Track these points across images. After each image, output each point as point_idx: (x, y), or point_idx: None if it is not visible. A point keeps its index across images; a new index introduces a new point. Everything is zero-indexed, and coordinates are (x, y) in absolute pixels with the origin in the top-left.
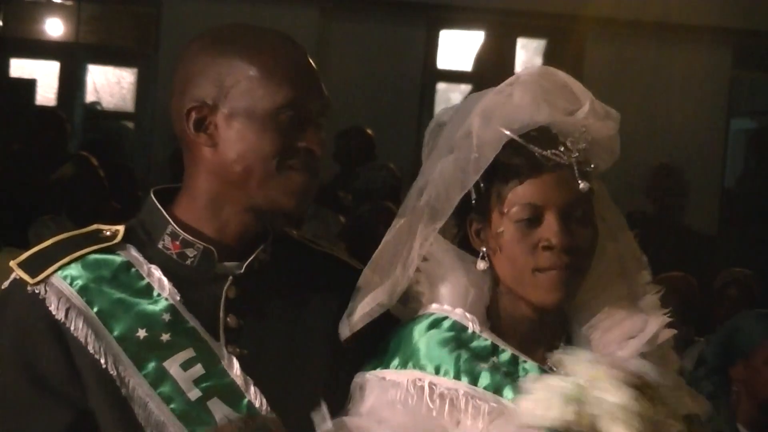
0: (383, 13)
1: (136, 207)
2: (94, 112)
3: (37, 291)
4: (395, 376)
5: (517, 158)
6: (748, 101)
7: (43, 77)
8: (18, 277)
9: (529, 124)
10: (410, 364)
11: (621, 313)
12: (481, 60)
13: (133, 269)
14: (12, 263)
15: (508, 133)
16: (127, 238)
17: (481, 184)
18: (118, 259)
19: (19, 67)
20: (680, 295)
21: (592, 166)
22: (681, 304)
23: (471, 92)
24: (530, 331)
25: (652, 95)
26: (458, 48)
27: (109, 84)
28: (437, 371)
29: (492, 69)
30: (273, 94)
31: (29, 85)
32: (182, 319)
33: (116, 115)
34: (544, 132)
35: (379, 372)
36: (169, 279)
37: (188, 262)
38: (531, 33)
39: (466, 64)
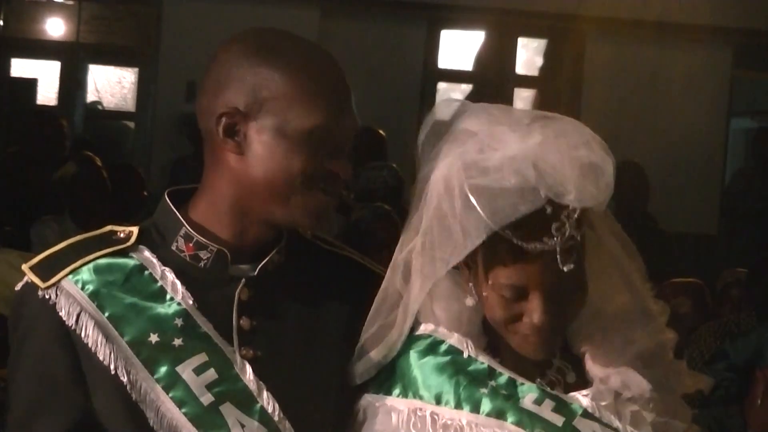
0: (383, 13)
1: (140, 207)
2: (95, 111)
3: (47, 296)
4: (396, 403)
5: (501, 244)
6: (748, 101)
7: (44, 77)
8: (30, 281)
9: (512, 215)
10: (410, 394)
11: (614, 319)
12: (481, 60)
13: (147, 272)
14: (24, 267)
15: (491, 224)
16: (141, 240)
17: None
18: (131, 262)
19: (20, 67)
20: (693, 300)
21: (577, 238)
22: (693, 309)
23: (471, 92)
24: None
25: (652, 95)
26: (458, 48)
27: (110, 83)
28: (438, 401)
29: (492, 69)
30: (308, 114)
31: (30, 85)
32: (195, 324)
33: (117, 115)
34: (530, 218)
35: (382, 397)
36: (183, 281)
37: (201, 264)
38: (531, 33)
39: (467, 64)
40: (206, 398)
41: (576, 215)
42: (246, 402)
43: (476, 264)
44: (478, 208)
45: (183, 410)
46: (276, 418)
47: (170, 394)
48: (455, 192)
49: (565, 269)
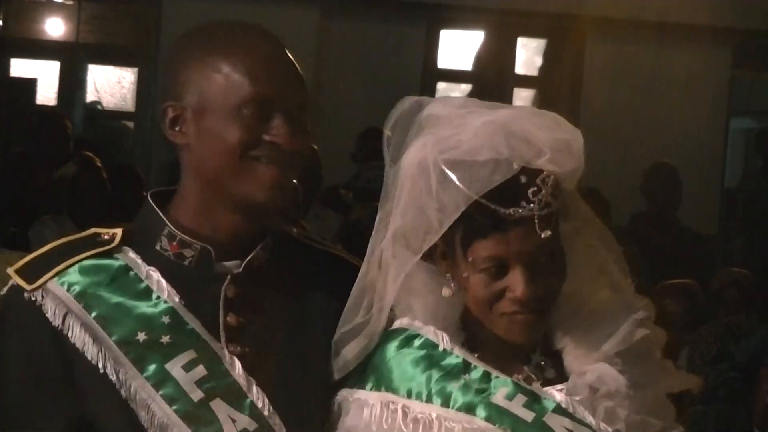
0: (383, 13)
1: (140, 208)
2: (95, 111)
3: (33, 298)
4: (369, 396)
5: (479, 214)
6: (748, 101)
7: (44, 77)
8: (16, 284)
9: (488, 184)
10: (383, 387)
11: (594, 314)
12: (481, 60)
13: (132, 272)
14: (9, 270)
15: (468, 193)
16: (125, 241)
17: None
18: (116, 263)
19: (20, 67)
20: (684, 301)
21: (554, 207)
22: (685, 309)
23: (471, 92)
24: (506, 342)
25: (652, 95)
26: (458, 48)
27: (110, 84)
28: (409, 394)
29: (492, 69)
30: (235, 89)
31: (30, 85)
32: (182, 321)
33: (116, 115)
34: (506, 185)
35: (355, 391)
36: (169, 280)
37: (186, 262)
38: (531, 33)
39: (467, 64)
40: (196, 395)
41: (551, 182)
42: (236, 397)
43: (454, 248)
44: (455, 180)
45: (174, 407)
46: (266, 413)
47: (160, 392)
48: (430, 169)
49: (542, 235)
